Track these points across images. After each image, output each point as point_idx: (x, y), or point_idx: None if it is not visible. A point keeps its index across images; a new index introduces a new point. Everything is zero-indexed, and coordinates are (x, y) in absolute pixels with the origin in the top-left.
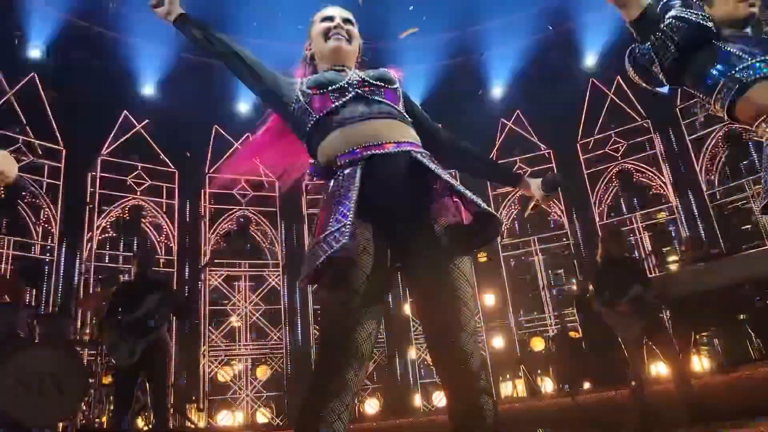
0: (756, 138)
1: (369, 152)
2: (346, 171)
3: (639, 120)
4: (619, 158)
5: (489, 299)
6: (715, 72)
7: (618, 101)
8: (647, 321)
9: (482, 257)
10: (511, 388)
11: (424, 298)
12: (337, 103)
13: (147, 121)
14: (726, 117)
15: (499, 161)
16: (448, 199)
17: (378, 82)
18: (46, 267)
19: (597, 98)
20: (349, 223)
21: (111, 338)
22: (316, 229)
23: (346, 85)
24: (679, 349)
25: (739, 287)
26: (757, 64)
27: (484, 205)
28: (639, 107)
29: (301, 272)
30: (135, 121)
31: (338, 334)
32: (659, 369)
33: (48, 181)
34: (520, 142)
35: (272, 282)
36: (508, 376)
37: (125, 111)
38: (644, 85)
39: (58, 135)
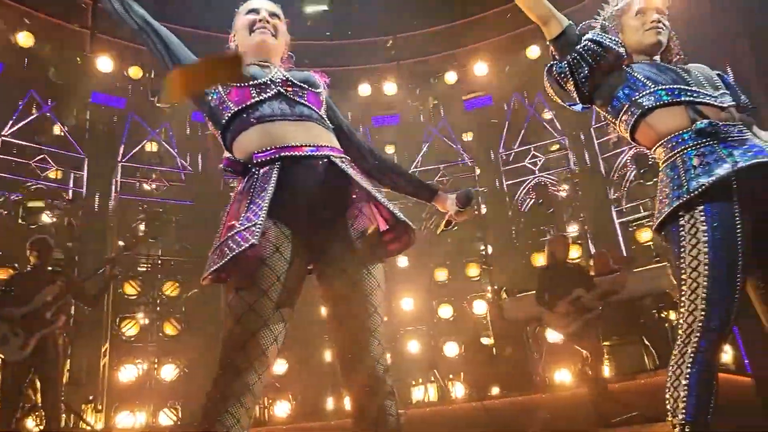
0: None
1: (287, 153)
2: (262, 170)
3: (557, 136)
4: (536, 172)
5: (407, 303)
6: (621, 95)
7: (538, 116)
8: (582, 322)
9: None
10: (423, 392)
11: (336, 302)
12: (257, 99)
13: (54, 103)
14: (629, 139)
15: (421, 168)
16: (366, 205)
17: (302, 84)
18: None
19: (519, 112)
20: (260, 223)
21: (0, 331)
22: (224, 227)
23: (268, 82)
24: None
25: (640, 300)
26: (660, 92)
27: (400, 214)
28: (558, 124)
29: (205, 269)
30: (42, 102)
31: (242, 335)
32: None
33: None
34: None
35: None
36: (420, 380)
37: (32, 91)
38: (559, 101)
39: None
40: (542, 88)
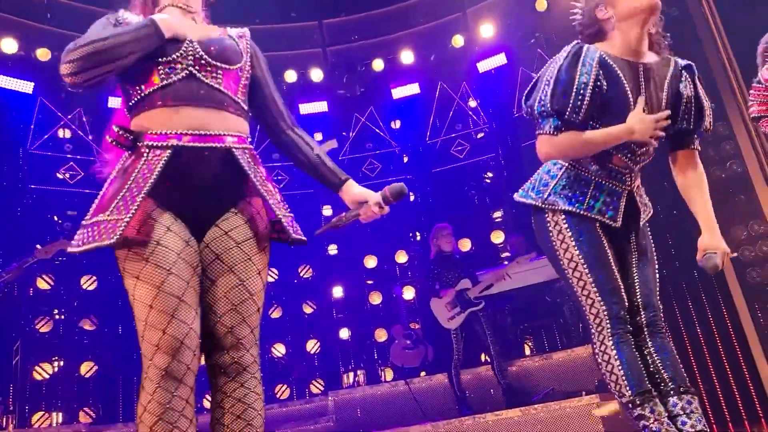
0: None
1: (183, 142)
2: (152, 153)
3: (481, 124)
4: (463, 159)
5: (337, 291)
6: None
7: (463, 105)
8: (466, 315)
9: None
10: (353, 377)
11: (206, 287)
12: (166, 82)
13: None
14: None
15: (349, 156)
16: (256, 198)
17: (217, 63)
18: None
19: (445, 100)
20: (126, 220)
21: None
22: (97, 206)
23: (179, 59)
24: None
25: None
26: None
27: (281, 214)
28: (482, 112)
29: (80, 240)
30: None
31: (159, 318)
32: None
33: None
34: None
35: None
36: (351, 366)
37: None
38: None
39: None
40: (466, 76)
